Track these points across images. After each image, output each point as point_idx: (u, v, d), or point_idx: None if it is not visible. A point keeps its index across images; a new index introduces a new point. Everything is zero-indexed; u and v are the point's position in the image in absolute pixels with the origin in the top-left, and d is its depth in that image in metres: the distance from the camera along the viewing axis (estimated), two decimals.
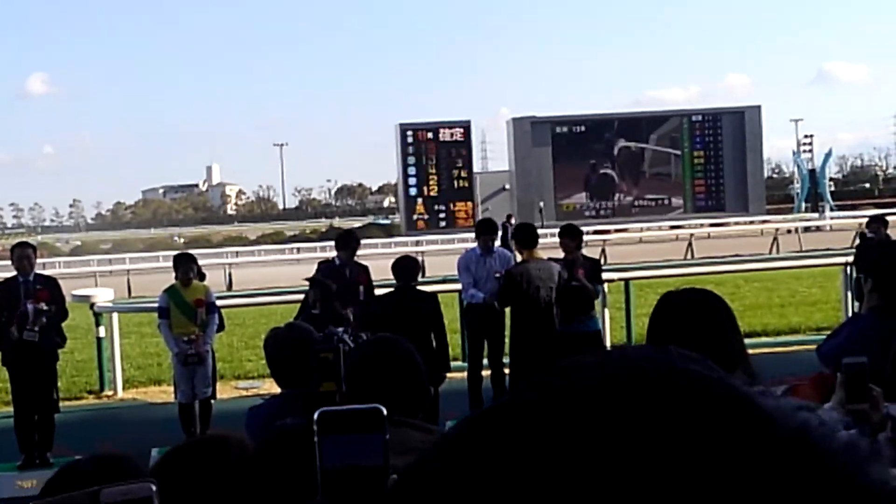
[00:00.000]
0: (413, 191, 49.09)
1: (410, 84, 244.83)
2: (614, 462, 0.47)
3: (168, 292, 10.23)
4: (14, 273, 9.76)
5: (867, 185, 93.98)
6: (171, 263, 10.67)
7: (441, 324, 9.61)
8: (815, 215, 48.69)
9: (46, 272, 13.08)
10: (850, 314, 12.45)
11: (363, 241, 11.91)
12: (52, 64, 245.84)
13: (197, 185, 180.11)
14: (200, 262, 10.92)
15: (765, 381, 3.10)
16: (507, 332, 10.28)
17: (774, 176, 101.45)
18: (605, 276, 11.45)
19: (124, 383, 13.50)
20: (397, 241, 42.64)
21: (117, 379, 13.38)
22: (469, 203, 48.84)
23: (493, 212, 41.15)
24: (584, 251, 10.88)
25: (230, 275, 31.52)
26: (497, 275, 9.89)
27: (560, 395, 0.50)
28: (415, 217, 49.03)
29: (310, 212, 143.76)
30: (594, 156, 50.87)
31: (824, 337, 5.07)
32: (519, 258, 10.29)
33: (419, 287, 9.87)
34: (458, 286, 11.04)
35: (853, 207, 56.45)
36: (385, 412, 1.71)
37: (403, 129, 49.16)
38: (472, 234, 10.92)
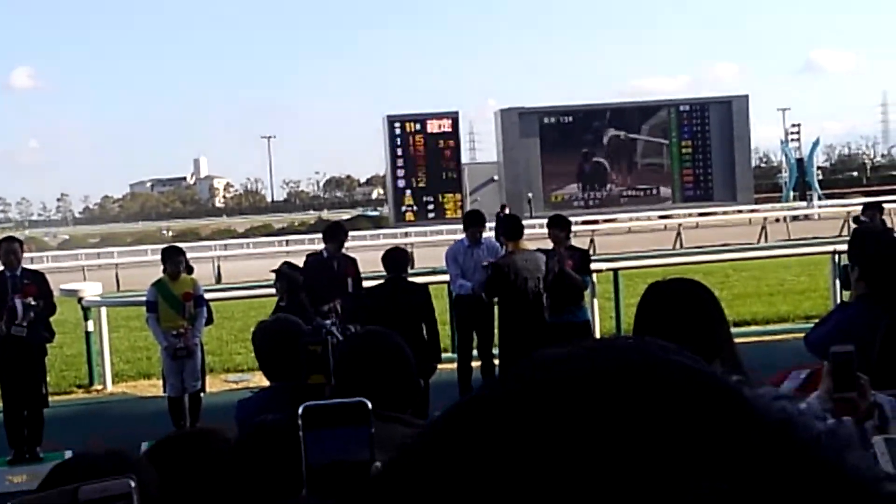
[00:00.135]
0: (401, 182, 49.07)
1: (398, 76, 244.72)
2: (597, 454, 0.47)
3: (156, 286, 10.21)
4: (1, 268, 9.73)
5: (855, 174, 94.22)
6: (159, 257, 10.65)
7: (432, 315, 9.61)
8: (804, 204, 48.77)
9: (34, 267, 13.04)
10: (838, 302, 12.49)
11: (352, 233, 11.91)
12: (36, 58, 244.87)
13: (185, 179, 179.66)
14: (189, 256, 10.89)
15: (757, 369, 3.11)
16: (497, 324, 10.28)
17: (762, 165, 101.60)
18: (593, 266, 11.45)
19: (113, 377, 13.48)
20: (386, 233, 42.60)
21: (106, 373, 13.36)
22: (457, 194, 48.84)
23: (481, 203, 41.14)
24: (573, 242, 10.88)
25: (219, 268, 31.47)
26: (485, 264, 9.88)
27: (542, 388, 0.50)
28: (403, 209, 49.02)
29: (298, 204, 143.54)
30: (582, 146, 50.90)
31: (812, 325, 5.09)
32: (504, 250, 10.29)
33: (409, 278, 9.88)
34: (447, 277, 11.05)
35: (841, 196, 56.58)
36: (370, 406, 1.70)
37: (391, 120, 49.13)
38: (461, 226, 10.91)
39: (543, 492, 0.46)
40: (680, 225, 37.16)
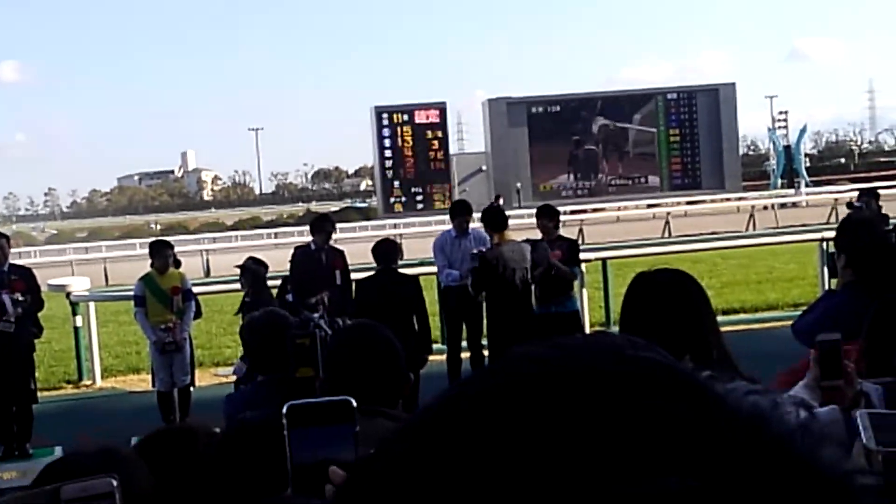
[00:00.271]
0: (389, 173, 49.02)
1: (385, 66, 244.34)
2: (564, 454, 0.46)
3: (144, 280, 10.20)
4: None
5: (842, 161, 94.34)
6: (147, 251, 10.63)
7: (422, 306, 9.62)
8: (791, 191, 48.87)
9: (22, 262, 13.01)
10: (826, 290, 12.51)
11: (340, 225, 11.89)
12: (23, 51, 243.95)
13: (172, 172, 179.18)
14: (178, 249, 10.88)
15: (746, 357, 3.11)
16: (485, 315, 10.28)
17: (750, 153, 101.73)
18: (582, 256, 11.45)
19: (103, 372, 13.45)
20: (374, 225, 42.55)
21: (95, 368, 13.33)
22: (446, 185, 48.81)
23: (470, 193, 41.14)
24: (562, 231, 10.88)
25: (207, 261, 31.41)
26: (475, 251, 9.86)
27: (510, 390, 0.50)
28: (392, 200, 48.97)
29: (286, 196, 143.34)
30: (570, 136, 50.92)
31: (801, 313, 5.10)
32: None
33: (400, 270, 9.87)
34: (436, 268, 11.04)
35: (829, 183, 56.70)
36: (354, 404, 1.70)
37: (379, 111, 49.05)
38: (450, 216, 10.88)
39: (510, 491, 0.46)
40: (668, 213, 37.22)
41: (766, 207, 39.71)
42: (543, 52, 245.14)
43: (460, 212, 10.62)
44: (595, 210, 44.77)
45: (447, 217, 10.85)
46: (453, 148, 53.48)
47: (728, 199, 47.95)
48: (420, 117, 48.98)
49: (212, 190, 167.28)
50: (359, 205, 76.87)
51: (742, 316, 14.84)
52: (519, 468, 0.46)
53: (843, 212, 13.72)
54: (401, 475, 0.49)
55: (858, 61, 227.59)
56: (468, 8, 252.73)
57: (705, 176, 51.39)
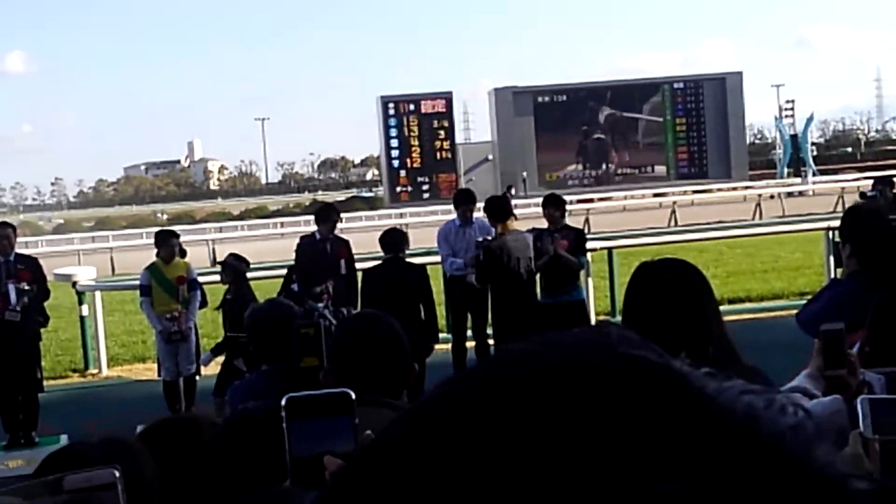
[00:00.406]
0: (396, 163, 49.03)
1: (391, 56, 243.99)
2: (542, 456, 0.46)
3: (149, 270, 10.21)
4: None
5: (849, 150, 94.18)
6: (153, 241, 10.63)
7: (429, 295, 9.63)
8: (798, 180, 48.73)
9: (29, 251, 13.04)
10: (832, 279, 12.46)
11: (347, 215, 11.90)
12: (30, 42, 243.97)
13: (179, 162, 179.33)
14: (184, 239, 10.89)
15: (751, 347, 3.11)
16: (490, 304, 10.27)
17: (757, 142, 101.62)
18: (588, 245, 11.43)
19: (109, 361, 13.48)
20: (381, 214, 42.54)
21: (101, 357, 13.36)
22: (452, 174, 48.81)
23: (476, 182, 41.15)
24: (568, 220, 10.85)
25: (214, 250, 31.41)
26: (480, 239, 9.85)
27: (495, 388, 0.50)
28: (398, 189, 48.98)
29: (293, 186, 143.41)
30: (576, 125, 50.87)
31: (805, 302, 5.08)
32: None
33: (407, 259, 9.88)
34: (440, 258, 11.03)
35: (835, 172, 56.56)
36: (354, 396, 1.69)
37: (385, 101, 49.04)
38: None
39: (490, 487, 0.46)
40: (675, 202, 37.14)
41: (772, 196, 39.58)
42: (549, 42, 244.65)
43: (464, 201, 10.61)
44: (601, 199, 44.72)
45: (453, 206, 10.84)
46: (459, 137, 53.56)
47: (734, 189, 47.87)
48: (426, 107, 48.98)
49: (218, 179, 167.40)
50: (365, 194, 76.85)
51: (748, 305, 14.82)
52: (500, 466, 0.46)
53: (850, 201, 13.66)
54: (388, 469, 0.49)
55: (866, 50, 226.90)
56: None
57: (712, 165, 51.32)
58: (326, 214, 10.46)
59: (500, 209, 9.94)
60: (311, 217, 11.36)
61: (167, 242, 10.20)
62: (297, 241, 10.69)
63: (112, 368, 13.40)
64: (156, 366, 10.96)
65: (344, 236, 10.69)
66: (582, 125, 51.16)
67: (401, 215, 40.34)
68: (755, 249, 21.27)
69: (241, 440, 2.33)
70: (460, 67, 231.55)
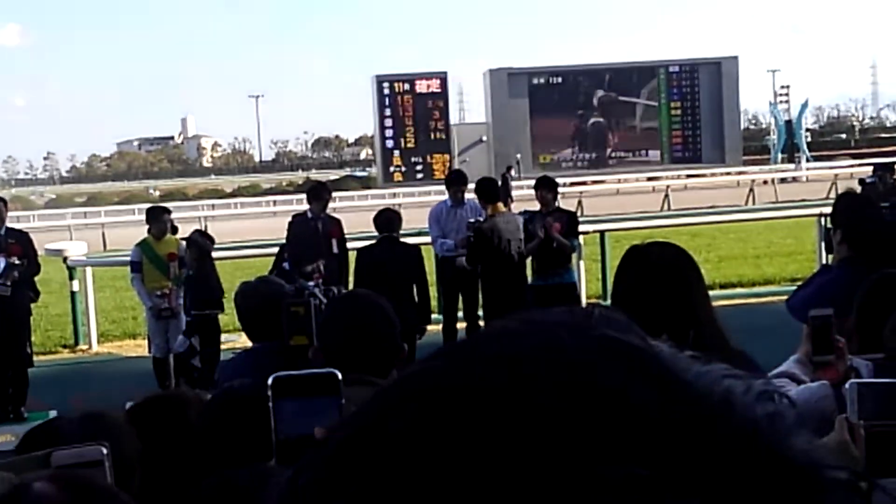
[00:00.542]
0: (390, 143, 48.94)
1: (387, 35, 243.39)
2: (506, 437, 0.45)
3: (140, 246, 10.19)
4: None
5: (843, 136, 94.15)
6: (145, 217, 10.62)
7: (423, 276, 9.65)
8: (792, 166, 48.75)
9: (20, 226, 13.00)
10: (822, 265, 12.48)
11: (340, 194, 11.89)
12: (24, 15, 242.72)
13: (172, 138, 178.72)
14: (176, 216, 10.89)
15: (737, 332, 3.11)
16: (480, 285, 10.27)
17: (751, 127, 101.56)
18: (580, 227, 11.44)
19: (99, 337, 13.47)
20: (374, 194, 42.49)
21: (92, 333, 13.35)
22: (446, 155, 48.73)
23: (470, 164, 41.10)
24: (562, 203, 10.86)
25: (206, 228, 31.32)
26: (472, 220, 9.84)
27: (469, 368, 0.49)
28: (391, 169, 48.91)
29: (286, 164, 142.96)
30: (571, 107, 50.81)
31: (796, 288, 5.09)
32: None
33: (402, 239, 9.88)
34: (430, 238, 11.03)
35: (829, 158, 56.58)
36: (340, 376, 1.69)
37: (380, 80, 48.92)
38: None
39: (454, 469, 0.45)
40: (668, 187, 37.10)
41: (766, 182, 39.60)
42: (545, 23, 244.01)
43: (456, 182, 10.60)
44: (595, 182, 44.68)
45: (445, 187, 10.84)
46: (454, 118, 53.41)
47: (728, 174, 47.82)
48: (421, 87, 48.86)
49: (211, 157, 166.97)
50: (358, 174, 76.73)
51: (739, 290, 14.85)
52: (467, 445, 0.45)
53: (843, 187, 13.63)
54: (360, 444, 0.48)
55: (861, 37, 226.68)
56: None
57: (706, 150, 51.32)
58: (318, 193, 10.45)
59: (490, 191, 9.94)
60: (304, 196, 11.35)
61: (159, 219, 10.19)
62: (289, 219, 10.69)
63: (102, 344, 13.40)
64: (146, 342, 10.97)
65: (336, 215, 10.68)
66: (577, 108, 51.10)
67: (394, 195, 40.28)
68: (747, 235, 21.30)
69: (228, 418, 2.33)
70: (456, 47, 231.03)
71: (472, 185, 10.42)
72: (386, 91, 48.72)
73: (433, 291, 12.25)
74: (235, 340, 12.35)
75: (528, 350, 0.49)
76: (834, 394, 2.70)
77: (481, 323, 10.36)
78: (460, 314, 10.68)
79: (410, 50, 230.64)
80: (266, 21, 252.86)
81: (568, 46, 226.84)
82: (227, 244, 24.47)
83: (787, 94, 64.77)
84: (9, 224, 10.01)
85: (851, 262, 4.44)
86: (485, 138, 50.72)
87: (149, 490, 2.17)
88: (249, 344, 5.28)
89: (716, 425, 0.46)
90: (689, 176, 46.95)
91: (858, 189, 12.52)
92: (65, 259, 13.56)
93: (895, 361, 2.86)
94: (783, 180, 41.19)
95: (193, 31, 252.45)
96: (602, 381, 0.47)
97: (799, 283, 5.67)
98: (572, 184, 38.94)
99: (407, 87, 48.81)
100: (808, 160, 52.08)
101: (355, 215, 20.64)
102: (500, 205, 9.86)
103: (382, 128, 48.94)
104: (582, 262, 13.27)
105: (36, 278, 9.99)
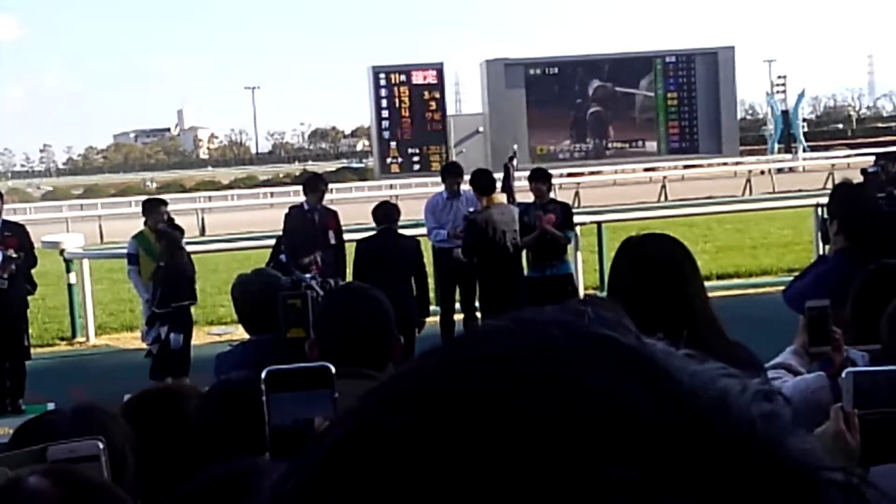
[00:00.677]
0: (386, 134, 48.81)
1: (383, 26, 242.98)
2: (497, 439, 0.45)
3: (137, 238, 10.18)
4: None
5: (840, 126, 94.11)
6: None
7: (422, 268, 9.66)
8: (789, 156, 48.73)
9: (17, 218, 12.99)
10: (819, 256, 12.45)
11: (336, 186, 11.88)
12: (19, 7, 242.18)
13: (169, 130, 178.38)
14: (173, 207, 10.87)
15: (734, 323, 3.11)
16: (477, 277, 10.27)
17: (748, 117, 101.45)
18: (577, 219, 11.44)
19: (96, 329, 13.47)
20: (371, 185, 42.45)
21: (89, 325, 13.35)
22: (443, 146, 48.61)
23: (467, 155, 41.07)
24: (559, 194, 10.85)
25: (203, 220, 31.37)
26: (470, 209, 9.82)
27: (459, 367, 0.49)
28: (388, 161, 48.79)
29: (283, 156, 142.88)
30: (568, 98, 50.71)
31: (792, 279, 5.09)
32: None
33: (400, 231, 9.88)
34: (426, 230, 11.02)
35: (826, 148, 56.59)
36: (333, 370, 1.69)
37: (376, 71, 48.78)
38: None
39: (446, 469, 0.45)
40: (665, 177, 37.11)
41: (762, 172, 39.59)
42: (541, 14, 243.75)
43: (451, 173, 10.61)
44: (592, 173, 44.65)
45: (441, 179, 10.83)
46: (451, 109, 53.36)
47: (725, 164, 47.81)
48: (417, 78, 48.74)
49: (208, 148, 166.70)
50: (355, 165, 76.67)
51: (736, 281, 14.86)
52: (457, 446, 0.45)
53: (840, 178, 13.59)
54: (352, 440, 0.48)
55: (858, 27, 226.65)
56: None
57: (703, 140, 51.23)
58: (314, 184, 10.44)
59: (485, 182, 9.94)
60: (300, 187, 11.34)
61: (155, 211, 10.17)
62: (285, 211, 10.68)
63: (99, 337, 13.39)
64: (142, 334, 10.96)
65: (333, 207, 10.67)
66: (574, 99, 51.00)
67: (391, 186, 40.26)
68: (744, 225, 21.30)
69: (224, 411, 2.33)
70: (452, 38, 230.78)
71: (468, 177, 10.42)
72: (382, 82, 48.58)
73: (431, 283, 12.27)
74: (232, 333, 12.38)
75: (522, 349, 0.48)
76: (830, 384, 2.71)
77: (478, 315, 10.37)
78: (457, 306, 10.68)
79: (407, 41, 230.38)
80: (262, 12, 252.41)
81: (564, 37, 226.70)
82: (223, 236, 24.51)
83: (783, 85, 64.70)
84: (5, 216, 10.00)
85: (848, 252, 4.45)
86: (481, 129, 50.61)
87: (145, 482, 2.17)
88: (247, 336, 5.29)
89: (711, 426, 0.46)
90: (686, 166, 46.93)
91: (860, 178, 12.50)
92: (62, 251, 13.56)
93: (891, 351, 2.87)
94: (780, 171, 41.18)
95: (189, 23, 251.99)
96: (595, 382, 0.47)
97: (796, 273, 5.67)
98: (569, 174, 38.96)
99: (403, 78, 48.68)
100: (804, 150, 52.10)
101: (352, 206, 20.64)
102: (496, 196, 9.85)
103: (379, 119, 48.83)
104: (579, 253, 13.28)
105: (33, 271, 9.98)
